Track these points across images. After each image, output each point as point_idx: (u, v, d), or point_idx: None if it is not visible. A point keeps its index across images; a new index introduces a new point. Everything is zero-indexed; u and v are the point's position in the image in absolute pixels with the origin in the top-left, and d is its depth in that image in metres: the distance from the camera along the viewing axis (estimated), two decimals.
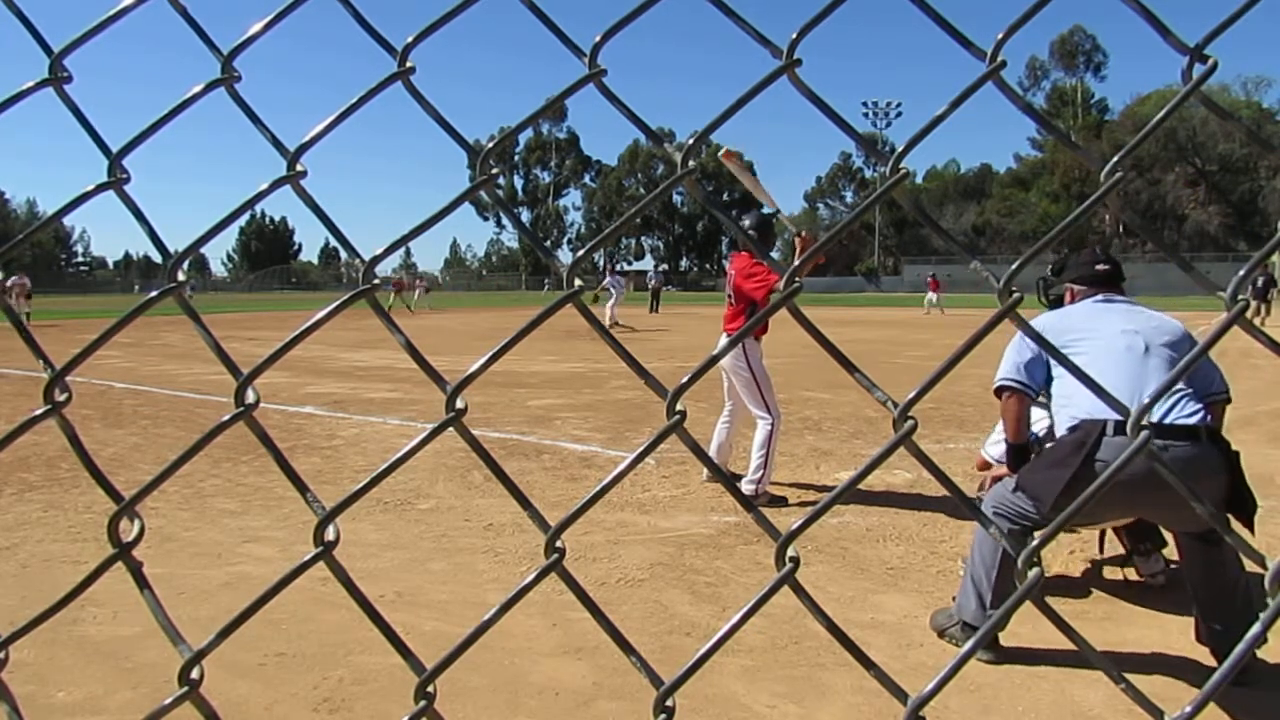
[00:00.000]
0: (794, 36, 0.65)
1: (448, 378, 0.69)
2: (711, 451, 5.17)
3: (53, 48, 0.79)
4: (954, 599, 3.03)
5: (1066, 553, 3.87)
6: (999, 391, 3.04)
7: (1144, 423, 0.60)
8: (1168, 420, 2.63)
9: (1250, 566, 2.90)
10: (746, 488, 4.82)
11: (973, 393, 8.34)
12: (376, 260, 0.74)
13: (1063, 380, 2.92)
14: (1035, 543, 0.60)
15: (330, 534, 0.68)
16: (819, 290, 59.77)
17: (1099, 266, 3.15)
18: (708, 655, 0.64)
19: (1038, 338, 0.65)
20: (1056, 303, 3.40)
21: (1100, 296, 3.08)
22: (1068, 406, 2.83)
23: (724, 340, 5.25)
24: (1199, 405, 2.72)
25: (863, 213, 0.70)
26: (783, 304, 0.64)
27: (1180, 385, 2.72)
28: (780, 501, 4.88)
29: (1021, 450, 3.05)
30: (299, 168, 0.74)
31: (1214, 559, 2.71)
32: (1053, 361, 2.92)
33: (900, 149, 0.65)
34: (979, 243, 68.23)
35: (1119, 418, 2.60)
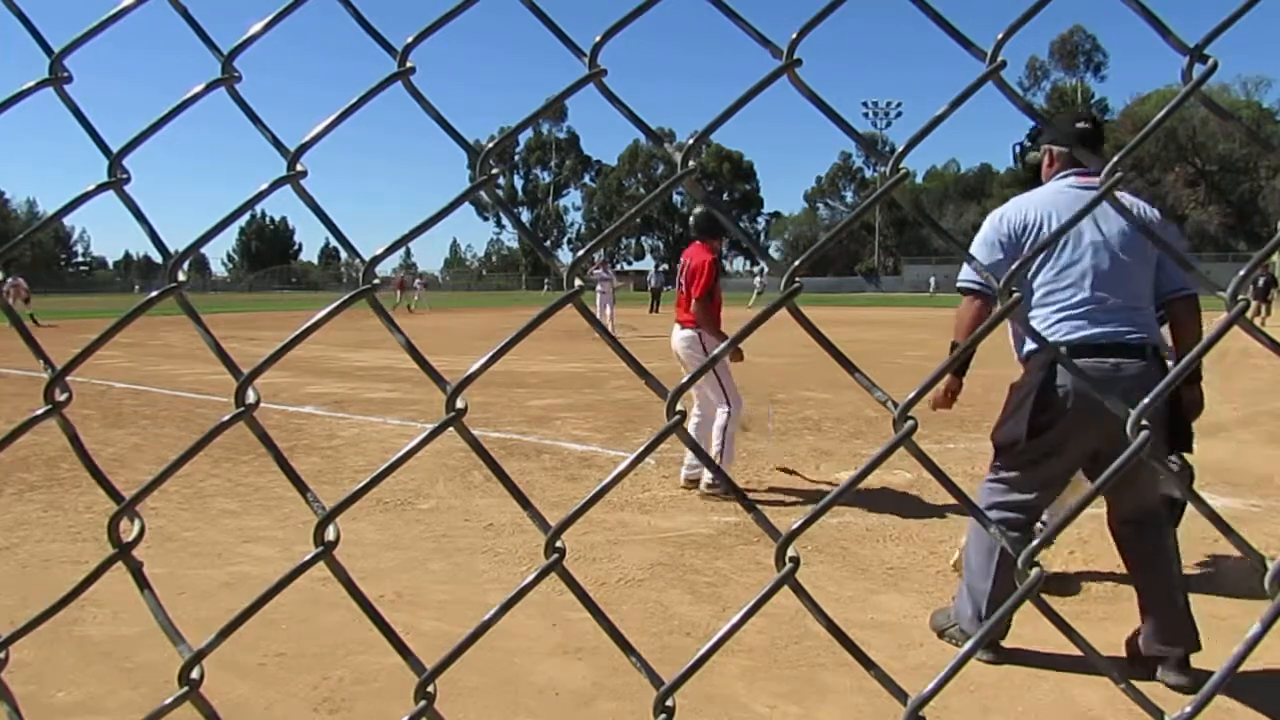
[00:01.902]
0: (794, 36, 0.65)
1: (448, 378, 0.69)
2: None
3: (53, 48, 0.79)
4: (953, 599, 3.03)
5: (1067, 553, 3.87)
6: (962, 292, 2.93)
7: (1143, 423, 0.59)
8: (1121, 340, 2.61)
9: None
10: (707, 477, 4.90)
11: (973, 392, 8.31)
12: (376, 260, 0.74)
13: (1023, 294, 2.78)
14: (1035, 542, 0.60)
15: (330, 534, 0.68)
16: (819, 290, 59.77)
17: (1079, 124, 2.98)
18: (708, 655, 0.64)
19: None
20: (1033, 171, 3.17)
21: (1072, 179, 2.83)
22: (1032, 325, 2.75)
23: (677, 330, 5.27)
24: (1146, 322, 2.70)
25: (863, 213, 0.70)
26: (782, 304, 0.64)
27: (1128, 300, 2.67)
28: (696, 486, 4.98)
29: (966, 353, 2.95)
30: (299, 168, 0.74)
31: (1158, 551, 2.72)
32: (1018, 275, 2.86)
33: (900, 149, 0.64)
34: None
35: (1073, 338, 2.63)
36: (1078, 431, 2.66)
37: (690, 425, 5.25)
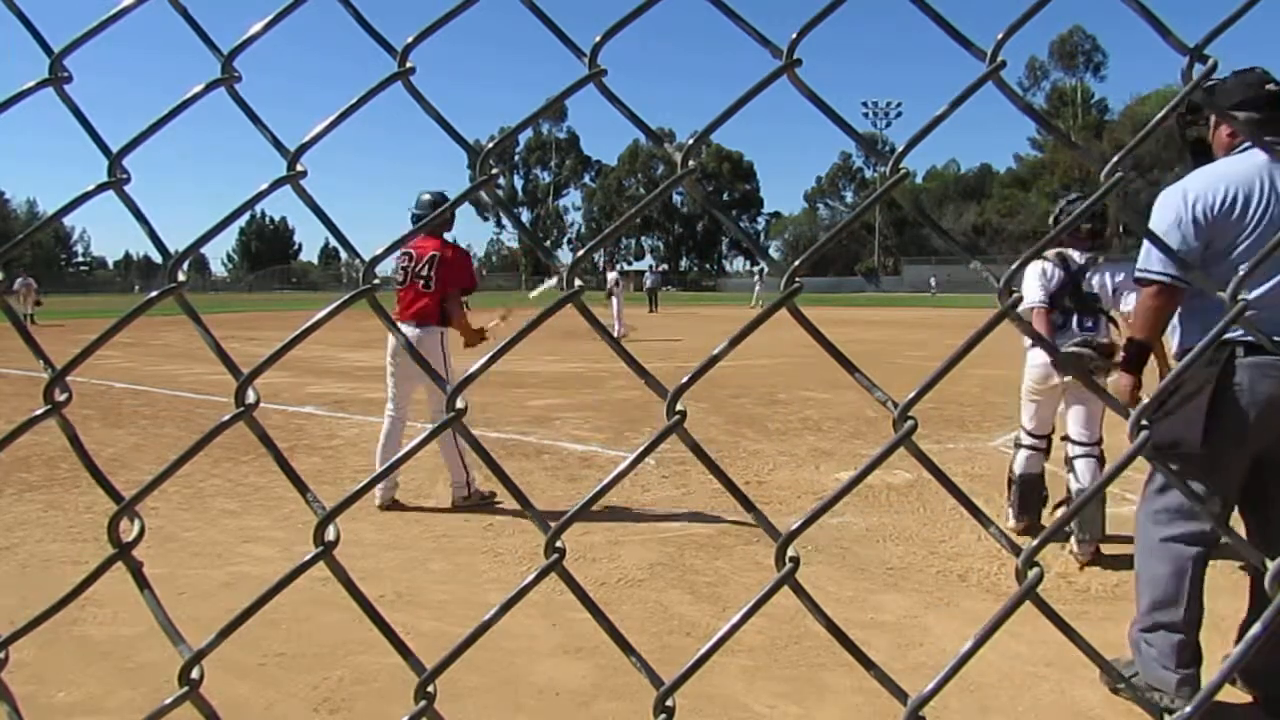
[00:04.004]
0: (794, 36, 0.65)
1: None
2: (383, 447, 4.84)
3: (53, 48, 0.79)
4: (1130, 642, 2.47)
5: (1067, 553, 3.87)
6: (1141, 284, 2.52)
7: (1143, 424, 0.59)
8: None
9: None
10: (384, 491, 4.68)
11: (973, 393, 8.33)
12: (376, 260, 0.74)
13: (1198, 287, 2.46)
14: (1035, 542, 0.60)
15: (330, 534, 0.68)
16: (819, 290, 59.76)
17: (1269, 86, 2.42)
18: (708, 655, 0.64)
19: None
20: (1199, 146, 2.70)
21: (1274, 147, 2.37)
22: (1199, 316, 2.45)
23: (409, 329, 4.65)
24: None
25: (863, 213, 0.70)
26: (782, 304, 0.64)
27: None
28: (398, 506, 4.71)
29: (1144, 350, 2.58)
30: (299, 168, 0.74)
31: None
32: (1201, 253, 2.40)
33: (900, 149, 0.64)
34: (979, 243, 68.09)
35: (1250, 338, 2.30)
36: (1254, 436, 2.37)
37: (383, 429, 4.88)
